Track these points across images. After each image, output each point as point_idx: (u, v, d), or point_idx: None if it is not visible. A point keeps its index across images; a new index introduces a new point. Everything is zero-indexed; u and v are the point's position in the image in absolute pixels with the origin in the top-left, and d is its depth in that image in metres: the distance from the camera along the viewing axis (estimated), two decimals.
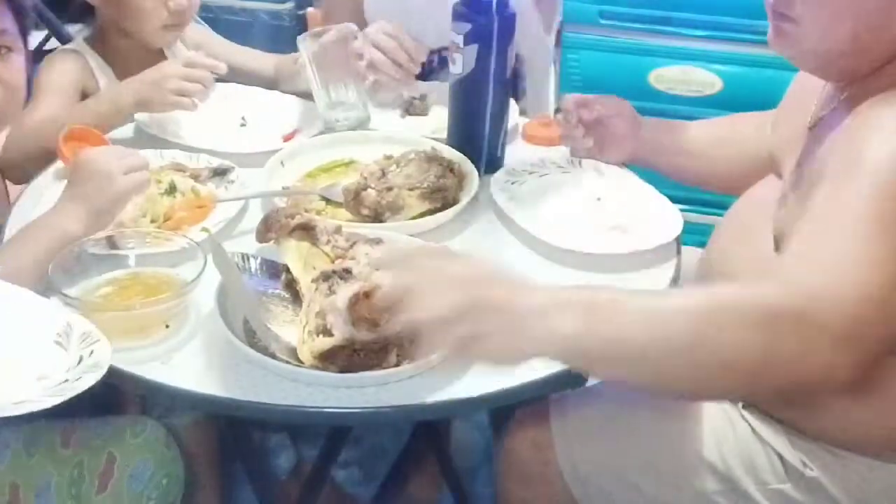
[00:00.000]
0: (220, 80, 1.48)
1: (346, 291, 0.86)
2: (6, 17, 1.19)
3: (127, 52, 1.52)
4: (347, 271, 0.90)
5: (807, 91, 1.07)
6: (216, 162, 1.29)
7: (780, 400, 1.01)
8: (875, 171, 0.81)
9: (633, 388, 0.90)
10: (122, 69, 1.50)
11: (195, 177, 1.25)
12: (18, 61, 1.22)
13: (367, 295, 0.84)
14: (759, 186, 1.14)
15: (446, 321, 0.73)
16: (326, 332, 0.86)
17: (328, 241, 0.97)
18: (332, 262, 0.95)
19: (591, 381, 1.20)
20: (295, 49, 1.57)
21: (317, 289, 0.91)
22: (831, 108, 0.99)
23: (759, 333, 0.73)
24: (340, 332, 0.85)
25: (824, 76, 1.01)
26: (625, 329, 0.74)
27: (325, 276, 0.91)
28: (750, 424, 1.04)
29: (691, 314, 0.74)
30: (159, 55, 1.56)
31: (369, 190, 1.16)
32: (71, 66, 1.48)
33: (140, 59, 1.49)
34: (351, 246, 0.97)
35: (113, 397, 1.28)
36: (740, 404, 1.06)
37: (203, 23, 1.78)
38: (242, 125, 1.48)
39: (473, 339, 0.74)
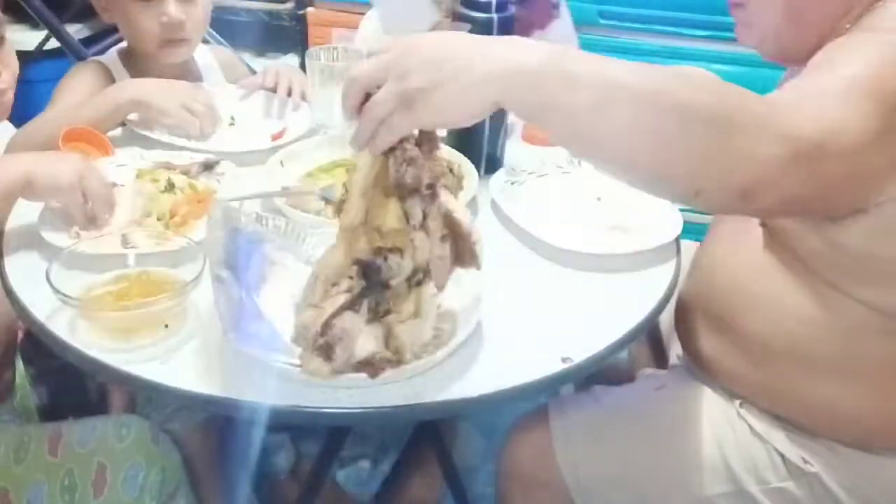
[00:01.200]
0: None
1: (366, 344, 0.80)
2: None
3: (151, 70, 1.50)
4: (387, 286, 0.83)
5: None
6: (202, 157, 1.30)
7: (772, 393, 1.02)
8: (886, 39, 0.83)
9: (577, 142, 0.78)
10: None
11: (185, 173, 1.25)
12: (11, 47, 1.22)
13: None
14: None
15: (378, 78, 0.75)
16: (328, 355, 0.80)
17: (399, 166, 0.80)
18: (392, 187, 0.81)
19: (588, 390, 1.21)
20: (294, 48, 1.58)
21: (349, 282, 0.83)
22: None
23: (722, 99, 0.74)
24: (337, 368, 0.80)
25: (785, 62, 1.02)
26: (595, 68, 0.73)
27: (362, 273, 0.82)
28: (748, 423, 1.04)
29: (667, 72, 0.74)
30: (185, 72, 1.55)
31: None
32: (92, 76, 1.47)
33: (163, 76, 1.49)
34: (422, 192, 0.81)
35: (103, 398, 1.28)
36: (738, 402, 1.06)
37: (220, 41, 1.74)
38: (231, 124, 1.48)
39: (420, 92, 0.72)
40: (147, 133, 1.39)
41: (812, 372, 0.99)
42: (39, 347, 1.18)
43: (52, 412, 1.21)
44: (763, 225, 1.02)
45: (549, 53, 0.73)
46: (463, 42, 0.76)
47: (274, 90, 1.52)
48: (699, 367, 1.12)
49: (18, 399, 1.20)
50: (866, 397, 0.98)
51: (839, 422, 1.00)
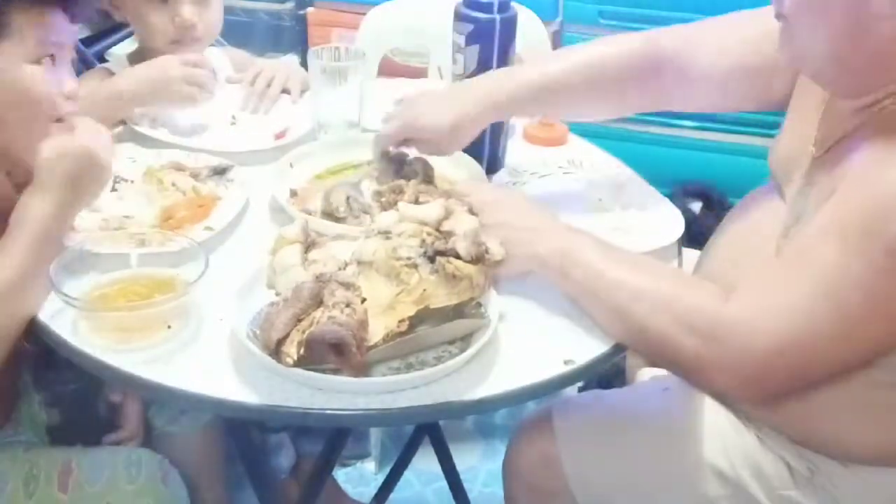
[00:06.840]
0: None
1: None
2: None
3: None
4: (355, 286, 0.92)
5: (805, 113, 1.04)
6: (215, 161, 1.29)
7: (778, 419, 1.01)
8: (861, 248, 0.82)
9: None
10: None
11: (195, 176, 1.25)
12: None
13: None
14: (757, 208, 1.11)
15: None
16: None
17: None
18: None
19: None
20: (294, 48, 1.57)
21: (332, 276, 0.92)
22: (837, 138, 0.95)
23: (674, 327, 0.90)
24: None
25: (821, 85, 0.98)
26: (582, 279, 0.97)
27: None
28: (755, 433, 1.03)
29: (635, 293, 0.93)
30: None
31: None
32: (95, 84, 1.44)
33: None
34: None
35: (115, 413, 1.27)
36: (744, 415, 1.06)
37: (220, 41, 1.73)
38: (232, 123, 1.47)
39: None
40: (147, 132, 1.38)
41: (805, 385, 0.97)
42: (51, 373, 1.18)
43: (62, 430, 1.20)
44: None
45: (556, 247, 0.99)
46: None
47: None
48: None
49: (25, 409, 1.19)
50: (871, 430, 0.96)
51: (844, 444, 0.98)
